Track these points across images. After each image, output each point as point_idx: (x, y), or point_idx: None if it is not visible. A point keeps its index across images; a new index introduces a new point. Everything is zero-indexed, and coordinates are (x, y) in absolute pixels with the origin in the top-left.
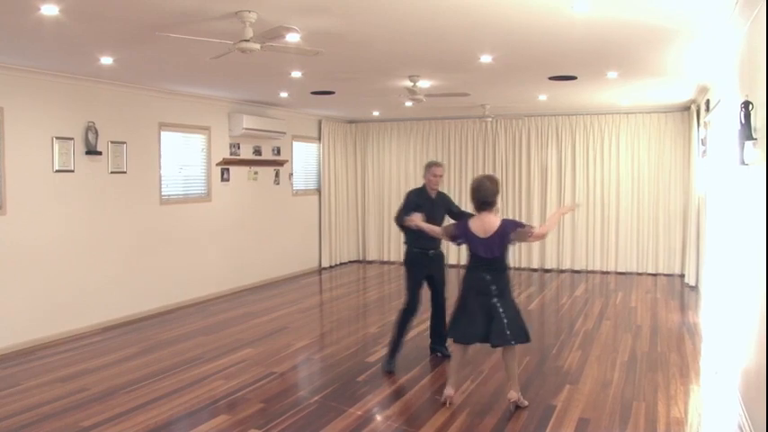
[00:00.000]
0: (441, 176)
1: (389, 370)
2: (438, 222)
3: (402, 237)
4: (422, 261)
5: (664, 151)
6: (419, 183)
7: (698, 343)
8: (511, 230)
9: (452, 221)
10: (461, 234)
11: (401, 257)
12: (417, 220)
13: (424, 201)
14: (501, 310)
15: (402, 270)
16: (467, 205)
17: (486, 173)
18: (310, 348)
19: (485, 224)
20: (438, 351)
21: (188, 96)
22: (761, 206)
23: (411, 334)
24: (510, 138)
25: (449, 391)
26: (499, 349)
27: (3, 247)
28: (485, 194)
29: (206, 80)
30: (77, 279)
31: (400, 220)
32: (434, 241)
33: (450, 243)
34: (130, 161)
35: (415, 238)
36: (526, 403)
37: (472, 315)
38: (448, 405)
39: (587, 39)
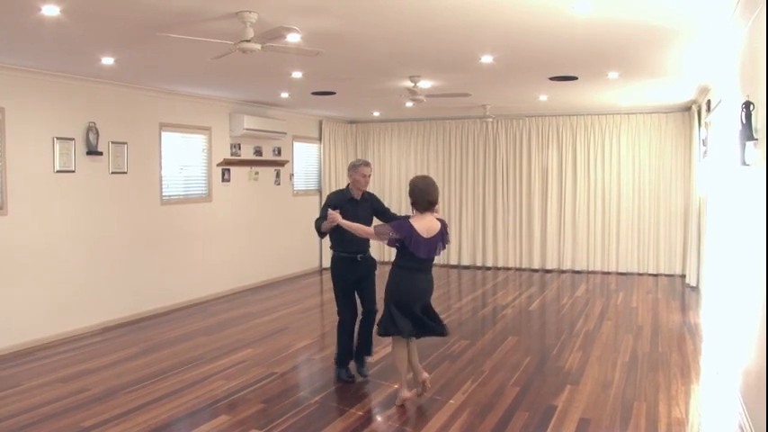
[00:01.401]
0: (369, 177)
1: (349, 377)
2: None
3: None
4: (349, 267)
5: (665, 152)
6: None
7: (699, 343)
8: (446, 230)
9: (381, 222)
10: (406, 235)
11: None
12: (337, 216)
13: (346, 203)
14: (431, 305)
15: (329, 278)
16: (467, 208)
17: (422, 174)
18: (311, 349)
19: (428, 224)
20: (359, 372)
21: (189, 97)
22: (762, 207)
23: None
24: (511, 138)
25: (405, 393)
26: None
27: (4, 248)
28: (433, 195)
29: (207, 80)
30: (78, 279)
31: (318, 224)
32: (363, 244)
33: (384, 243)
34: (131, 161)
35: (340, 242)
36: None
37: (408, 314)
38: (405, 405)
39: (588, 39)
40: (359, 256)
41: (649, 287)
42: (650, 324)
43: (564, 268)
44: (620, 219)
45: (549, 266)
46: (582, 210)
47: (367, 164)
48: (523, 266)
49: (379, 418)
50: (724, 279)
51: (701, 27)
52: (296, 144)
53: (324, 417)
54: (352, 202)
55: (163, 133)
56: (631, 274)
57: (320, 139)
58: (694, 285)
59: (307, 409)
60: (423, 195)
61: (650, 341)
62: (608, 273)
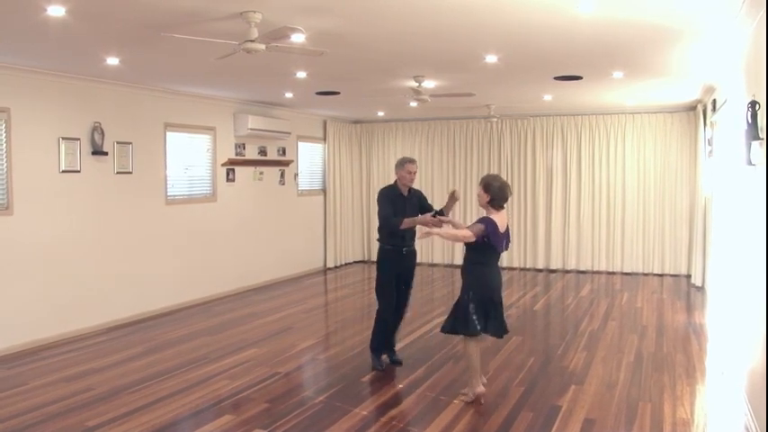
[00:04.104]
0: (415, 173)
1: (382, 367)
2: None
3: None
4: (394, 259)
5: (670, 151)
6: (424, 182)
7: (704, 343)
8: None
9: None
10: (492, 231)
11: None
12: (434, 228)
13: (397, 198)
14: (502, 303)
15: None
16: (472, 204)
17: (492, 173)
18: (315, 348)
19: (503, 220)
20: (389, 358)
21: (193, 97)
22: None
23: (417, 334)
24: (515, 138)
25: (481, 389)
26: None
27: (9, 247)
28: (507, 194)
29: (211, 80)
30: (83, 279)
31: (392, 222)
32: (410, 239)
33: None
34: (136, 161)
35: (387, 235)
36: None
37: (485, 310)
38: (482, 402)
39: (592, 38)
40: (404, 249)
41: (654, 287)
42: (655, 324)
43: (568, 268)
44: (625, 219)
45: (553, 266)
46: (586, 210)
47: (412, 161)
48: (528, 266)
49: (383, 419)
50: (729, 279)
51: (707, 26)
52: (300, 144)
53: (328, 416)
54: (401, 198)
55: (167, 133)
56: (636, 274)
57: (325, 139)
58: (699, 285)
59: (311, 409)
60: (501, 194)
61: (655, 341)
62: (613, 273)
